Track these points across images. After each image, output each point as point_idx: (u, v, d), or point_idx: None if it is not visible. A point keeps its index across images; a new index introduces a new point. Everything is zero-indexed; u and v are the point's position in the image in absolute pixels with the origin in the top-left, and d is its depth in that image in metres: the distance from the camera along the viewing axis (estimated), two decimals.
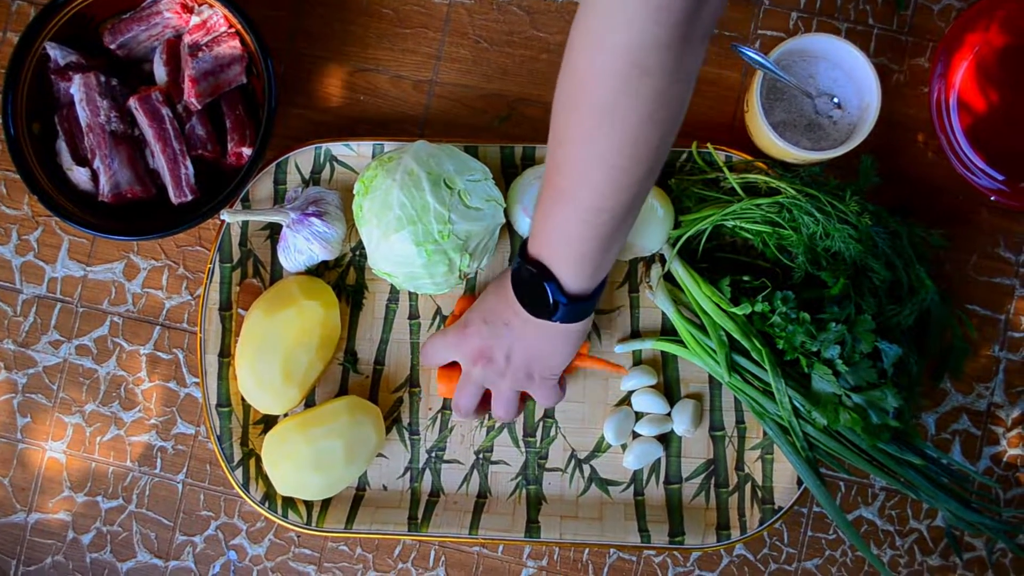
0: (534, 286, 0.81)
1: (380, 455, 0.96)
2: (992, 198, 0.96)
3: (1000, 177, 0.96)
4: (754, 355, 0.89)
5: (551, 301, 0.81)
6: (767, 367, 0.88)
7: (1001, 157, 0.96)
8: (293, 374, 0.91)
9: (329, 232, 0.92)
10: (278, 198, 0.97)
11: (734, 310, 0.89)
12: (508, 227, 0.96)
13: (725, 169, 0.92)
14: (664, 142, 0.70)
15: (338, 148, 0.96)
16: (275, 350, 0.91)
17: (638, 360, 0.96)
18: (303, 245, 0.92)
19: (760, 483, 0.94)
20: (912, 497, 0.89)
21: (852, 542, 0.90)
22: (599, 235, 0.75)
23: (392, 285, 0.97)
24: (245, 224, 0.96)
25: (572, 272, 0.79)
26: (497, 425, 0.96)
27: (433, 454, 0.96)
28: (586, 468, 0.96)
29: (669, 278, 0.94)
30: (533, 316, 0.84)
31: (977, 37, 0.96)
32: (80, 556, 0.99)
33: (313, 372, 0.93)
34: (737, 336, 0.89)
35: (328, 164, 0.97)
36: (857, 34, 0.99)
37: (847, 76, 0.93)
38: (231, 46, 0.93)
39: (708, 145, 0.93)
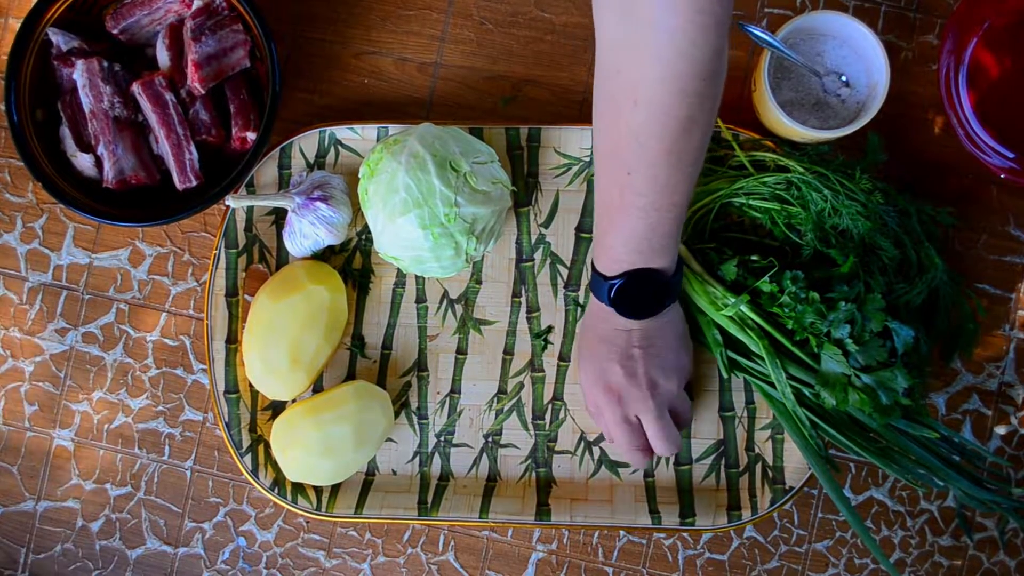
0: (646, 289, 0.82)
1: (389, 439, 0.96)
2: (1002, 176, 0.95)
3: (1010, 155, 0.95)
4: (753, 348, 0.89)
5: (663, 284, 0.82)
6: (766, 360, 0.88)
7: (1011, 135, 0.95)
8: (300, 359, 0.91)
9: (335, 216, 0.92)
10: (283, 183, 0.96)
11: (726, 311, 0.88)
12: (515, 210, 0.96)
13: (735, 144, 0.92)
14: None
15: (343, 132, 0.96)
16: (282, 335, 0.90)
17: None
18: (308, 230, 0.92)
19: (771, 463, 0.94)
20: (921, 483, 0.89)
21: (857, 530, 0.89)
22: (677, 217, 0.79)
23: (399, 269, 0.96)
24: (250, 209, 0.95)
25: (665, 256, 0.81)
26: (506, 408, 0.96)
27: (442, 438, 0.96)
28: (595, 450, 0.96)
29: None
30: (649, 318, 0.84)
31: (986, 13, 0.95)
32: (89, 543, 0.99)
33: (321, 357, 0.92)
34: (733, 331, 0.89)
35: (333, 148, 0.96)
36: (865, 11, 0.98)
37: (855, 54, 0.92)
38: (234, 30, 0.93)
39: (718, 121, 0.93)
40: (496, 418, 0.96)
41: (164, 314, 0.99)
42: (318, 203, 0.91)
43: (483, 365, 0.96)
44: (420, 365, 0.97)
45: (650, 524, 0.93)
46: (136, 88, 0.92)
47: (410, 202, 0.86)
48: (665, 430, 0.87)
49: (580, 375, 0.91)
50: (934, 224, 0.94)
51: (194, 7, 0.92)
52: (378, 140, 0.95)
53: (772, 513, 0.93)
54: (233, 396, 0.94)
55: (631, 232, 0.79)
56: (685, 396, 0.91)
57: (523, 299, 0.96)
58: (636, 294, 0.82)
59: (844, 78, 0.92)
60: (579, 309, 0.96)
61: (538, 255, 0.97)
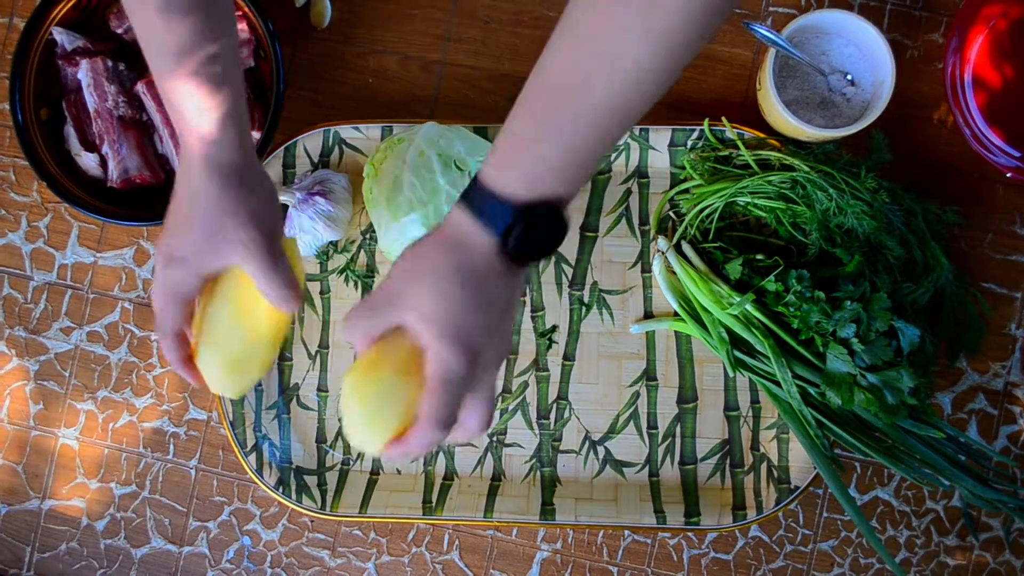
0: (551, 226, 0.63)
1: None
2: (1008, 175, 0.95)
3: (1016, 154, 0.95)
4: (758, 347, 0.89)
5: (565, 228, 0.64)
6: (771, 359, 0.87)
7: (1017, 134, 0.95)
8: (221, 345, 0.74)
9: (333, 211, 0.92)
10: (287, 181, 0.96)
11: (731, 309, 0.88)
12: None
13: (740, 143, 0.92)
14: (693, 49, 0.59)
15: (347, 131, 0.96)
16: (219, 325, 0.74)
17: (652, 341, 0.96)
18: (308, 225, 0.92)
19: (776, 463, 0.94)
20: (927, 482, 0.89)
21: (862, 530, 0.89)
22: (603, 139, 0.61)
23: None
24: None
25: (577, 182, 0.63)
26: (511, 407, 0.96)
27: None
28: (600, 450, 0.96)
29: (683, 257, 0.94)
30: (531, 263, 0.66)
31: (992, 11, 0.95)
32: (94, 542, 0.99)
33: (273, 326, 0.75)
34: (738, 330, 0.89)
35: (337, 147, 0.96)
36: (870, 9, 0.98)
37: (860, 52, 0.92)
38: (238, 29, 0.93)
39: (723, 120, 0.93)
40: (501, 417, 0.96)
41: None
42: (317, 198, 0.91)
43: None
44: None
45: (655, 523, 0.93)
46: (140, 87, 0.92)
47: (415, 201, 0.86)
48: (491, 401, 0.67)
49: (405, 312, 0.64)
50: (940, 223, 0.93)
51: None
52: (382, 139, 0.95)
53: (777, 513, 0.93)
54: None
55: (570, 145, 0.60)
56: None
57: (527, 298, 0.96)
58: (539, 231, 0.63)
59: (849, 77, 0.92)
60: (583, 308, 0.96)
61: None
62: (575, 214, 0.96)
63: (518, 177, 0.61)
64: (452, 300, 0.63)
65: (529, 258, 0.64)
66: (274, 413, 0.96)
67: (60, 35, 0.92)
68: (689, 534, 0.97)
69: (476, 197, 0.63)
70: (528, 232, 0.62)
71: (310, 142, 0.96)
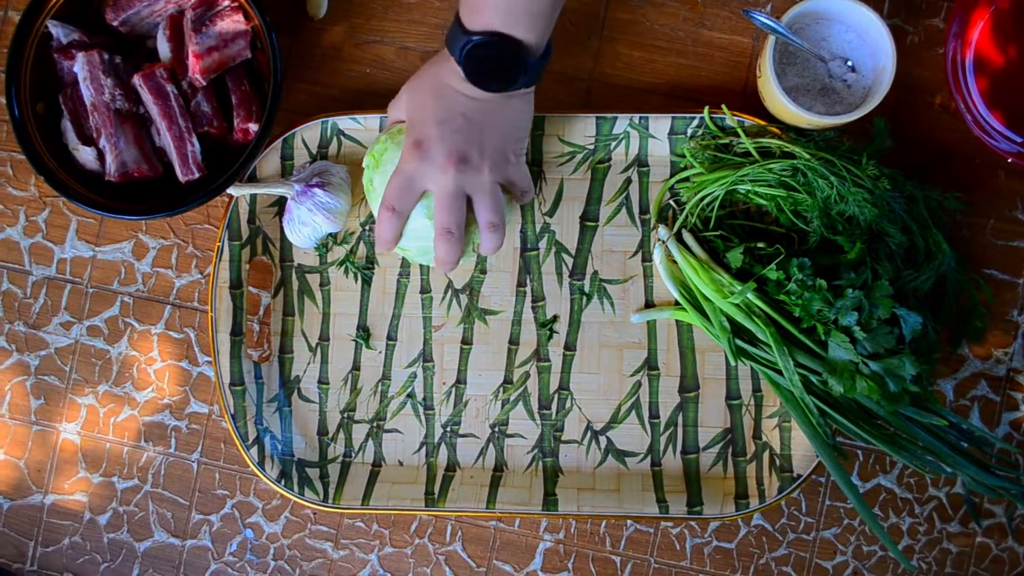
0: (501, 58, 0.80)
1: (395, 430, 0.96)
2: (1009, 160, 0.94)
3: (1018, 139, 0.94)
4: (760, 335, 0.88)
5: (520, 66, 0.80)
6: (773, 347, 0.87)
7: (1019, 119, 0.95)
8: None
9: (332, 203, 0.91)
10: (286, 173, 0.96)
11: (733, 298, 0.88)
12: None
13: (740, 130, 0.91)
14: None
15: (345, 122, 0.95)
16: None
17: (653, 330, 0.95)
18: (307, 217, 0.92)
19: (778, 451, 0.94)
20: (929, 469, 0.89)
21: (865, 518, 0.89)
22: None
23: (403, 259, 0.96)
24: (253, 201, 0.95)
25: (533, 30, 0.79)
26: (512, 398, 0.96)
27: (448, 428, 0.96)
28: (602, 439, 0.95)
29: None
30: (496, 92, 0.82)
31: None
32: (97, 536, 1.00)
33: None
34: (740, 319, 0.89)
35: (335, 138, 0.96)
36: None
37: (861, 39, 0.92)
38: (235, 20, 0.92)
39: (723, 108, 0.92)
40: (502, 408, 0.96)
41: (168, 307, 0.99)
42: (316, 190, 0.91)
43: (489, 355, 0.96)
44: (425, 355, 0.96)
45: (657, 513, 0.93)
46: (137, 80, 0.91)
47: None
48: (496, 202, 0.85)
49: (411, 131, 0.85)
50: (941, 210, 0.93)
51: None
52: (381, 130, 0.95)
53: (780, 501, 0.93)
54: (239, 388, 0.94)
55: None
56: (497, 193, 0.85)
57: (528, 288, 0.96)
58: (488, 61, 0.80)
59: (850, 63, 0.91)
60: (584, 298, 0.96)
61: (543, 244, 0.96)
62: (574, 203, 0.96)
63: (477, 15, 0.79)
64: (422, 106, 0.84)
65: (483, 80, 0.81)
66: (275, 406, 0.96)
67: (55, 28, 0.92)
68: (692, 523, 0.97)
69: (451, 30, 0.82)
70: (479, 57, 0.79)
71: (308, 134, 0.95)
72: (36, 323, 1.00)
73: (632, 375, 0.96)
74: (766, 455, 0.94)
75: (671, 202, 0.95)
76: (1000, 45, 0.95)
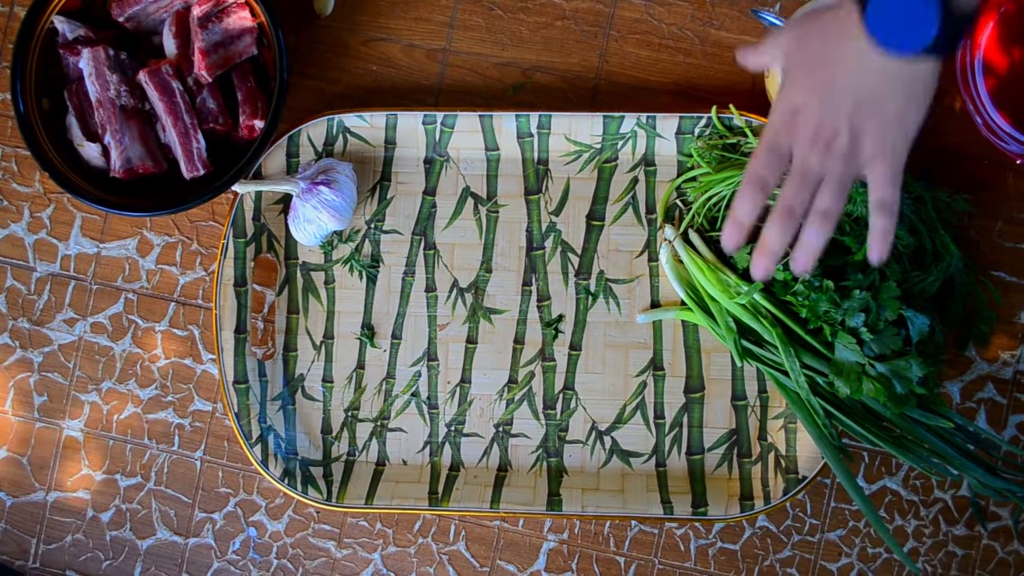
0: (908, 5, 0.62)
1: (399, 429, 0.96)
2: (1018, 162, 0.94)
3: None
4: (766, 336, 0.88)
5: (932, 18, 0.62)
6: (779, 348, 0.87)
7: None
8: None
9: (337, 200, 0.91)
10: (291, 171, 0.96)
11: (739, 298, 0.88)
12: (525, 197, 0.95)
13: (748, 130, 0.91)
14: None
15: (351, 119, 0.95)
16: None
17: (659, 330, 0.95)
18: (312, 214, 0.91)
19: (783, 452, 0.93)
20: (935, 471, 0.88)
21: (870, 520, 0.89)
22: None
23: (407, 258, 0.96)
24: (258, 199, 0.95)
25: None
26: (517, 398, 0.95)
27: (452, 428, 0.96)
28: (607, 440, 0.95)
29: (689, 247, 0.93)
30: (890, 53, 0.65)
31: None
32: (100, 534, 0.99)
33: None
34: (746, 319, 0.89)
35: (341, 136, 0.96)
36: None
37: None
38: (241, 17, 0.92)
39: (731, 107, 0.92)
40: (507, 407, 0.96)
41: (173, 304, 0.99)
42: (321, 187, 0.91)
43: (493, 354, 0.96)
44: (430, 354, 0.96)
45: (662, 514, 0.92)
46: (143, 76, 0.91)
47: None
48: (840, 197, 0.69)
49: (785, 92, 0.70)
50: (949, 211, 0.92)
51: None
52: (387, 128, 0.95)
53: (785, 503, 0.92)
54: (242, 386, 0.94)
55: None
56: (895, 185, 0.71)
57: (533, 288, 0.96)
58: (904, 10, 0.63)
59: None
60: (590, 298, 0.95)
61: (548, 243, 0.96)
62: (580, 202, 0.96)
63: None
64: (803, 48, 0.69)
65: (883, 30, 0.64)
66: (279, 404, 0.96)
67: (61, 24, 0.91)
68: (696, 524, 0.96)
69: None
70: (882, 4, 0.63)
71: (314, 131, 0.95)
72: (40, 320, 1.00)
73: (637, 375, 0.95)
74: (771, 456, 0.94)
75: (678, 202, 0.95)
76: (1009, 46, 0.94)
